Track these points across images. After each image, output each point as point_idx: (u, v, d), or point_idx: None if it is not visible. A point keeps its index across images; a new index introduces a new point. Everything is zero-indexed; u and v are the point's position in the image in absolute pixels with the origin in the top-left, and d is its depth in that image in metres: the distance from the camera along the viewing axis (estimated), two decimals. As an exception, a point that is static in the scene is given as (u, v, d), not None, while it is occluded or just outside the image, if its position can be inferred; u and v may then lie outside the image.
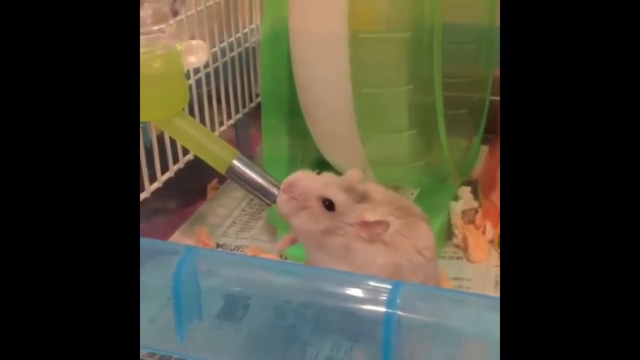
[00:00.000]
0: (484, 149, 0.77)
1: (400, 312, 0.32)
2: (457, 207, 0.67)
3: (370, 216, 0.45)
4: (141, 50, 0.39)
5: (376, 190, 0.47)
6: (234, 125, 0.77)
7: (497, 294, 0.29)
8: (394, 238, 0.46)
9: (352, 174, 0.47)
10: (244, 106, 0.78)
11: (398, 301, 0.33)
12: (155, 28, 0.42)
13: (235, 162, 0.42)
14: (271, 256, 0.64)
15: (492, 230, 0.65)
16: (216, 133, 0.71)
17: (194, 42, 0.44)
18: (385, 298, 0.33)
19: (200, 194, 0.76)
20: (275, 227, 0.66)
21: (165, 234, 0.69)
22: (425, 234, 0.51)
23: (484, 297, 0.36)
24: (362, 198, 0.45)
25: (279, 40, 0.57)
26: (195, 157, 0.43)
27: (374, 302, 0.33)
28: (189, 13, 0.67)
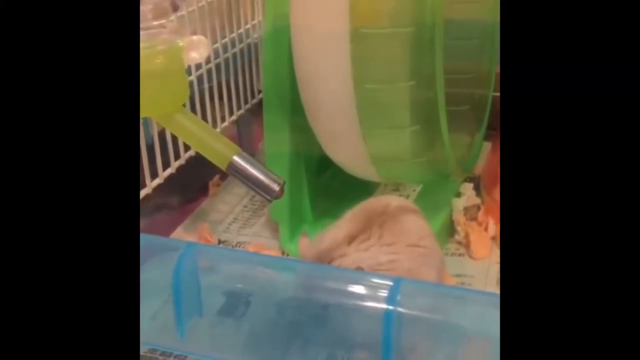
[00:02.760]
0: (487, 145, 0.77)
1: (400, 309, 0.32)
2: (459, 204, 0.67)
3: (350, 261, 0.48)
4: (142, 45, 0.39)
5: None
6: (236, 122, 0.77)
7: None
8: (389, 259, 0.49)
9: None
10: (245, 102, 0.78)
11: (399, 298, 0.33)
12: (155, 23, 0.41)
13: (236, 158, 0.42)
14: (273, 252, 0.64)
15: (495, 227, 0.65)
16: (218, 129, 0.71)
17: (195, 37, 0.44)
18: (385, 295, 0.33)
19: (201, 191, 0.76)
20: (277, 224, 0.66)
21: (167, 231, 0.69)
22: (415, 225, 0.51)
23: (486, 294, 0.35)
24: (352, 239, 0.51)
25: (281, 37, 0.57)
26: (197, 153, 0.43)
27: (375, 298, 0.33)
28: (190, 8, 0.66)
